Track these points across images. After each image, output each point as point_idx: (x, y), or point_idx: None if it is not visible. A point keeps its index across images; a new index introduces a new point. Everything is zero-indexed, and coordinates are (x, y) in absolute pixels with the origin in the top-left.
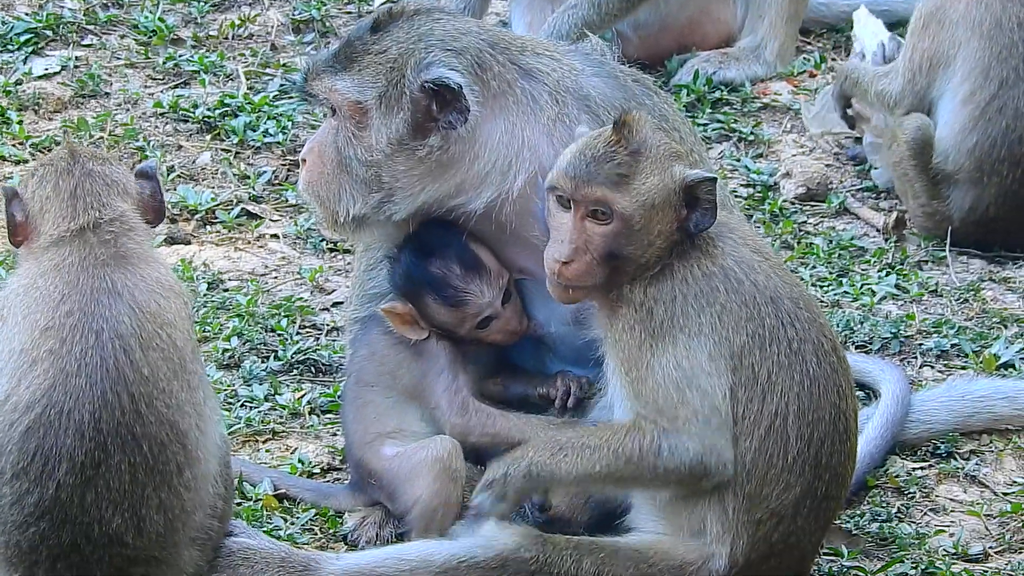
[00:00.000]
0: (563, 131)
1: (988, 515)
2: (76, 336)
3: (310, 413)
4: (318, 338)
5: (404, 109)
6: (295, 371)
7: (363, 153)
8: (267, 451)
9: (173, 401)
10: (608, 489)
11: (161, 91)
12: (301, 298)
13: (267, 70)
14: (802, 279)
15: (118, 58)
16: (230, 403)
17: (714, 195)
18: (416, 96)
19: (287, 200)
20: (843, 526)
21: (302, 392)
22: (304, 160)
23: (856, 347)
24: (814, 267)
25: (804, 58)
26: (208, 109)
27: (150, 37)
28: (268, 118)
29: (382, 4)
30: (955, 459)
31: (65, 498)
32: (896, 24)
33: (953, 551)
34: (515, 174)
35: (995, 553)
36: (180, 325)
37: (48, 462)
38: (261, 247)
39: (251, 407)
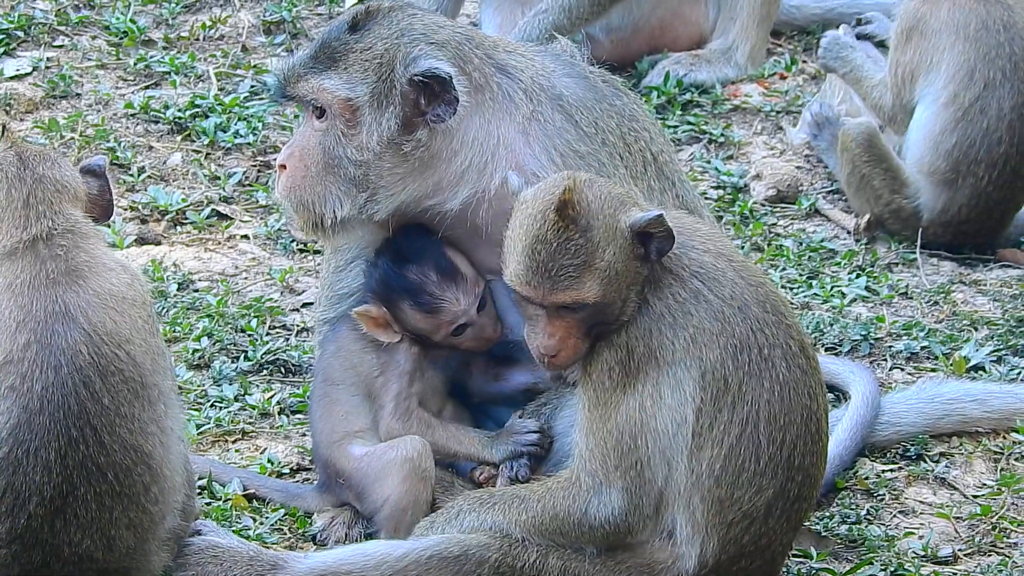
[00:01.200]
0: (538, 130)
1: (957, 517)
2: (36, 372)
3: (279, 413)
4: (288, 338)
5: (395, 104)
6: (265, 371)
7: (354, 152)
8: (237, 451)
9: (135, 425)
10: (535, 539)
11: (132, 92)
12: (271, 299)
13: (238, 71)
14: (772, 281)
15: (89, 59)
16: (200, 403)
17: (664, 225)
18: (405, 90)
19: (257, 201)
20: (812, 528)
21: (272, 392)
22: (283, 166)
23: (826, 349)
24: (784, 269)
25: (775, 60)
26: (179, 110)
27: (121, 38)
28: (239, 119)
29: (353, 5)
30: (925, 461)
31: (36, 526)
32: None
33: (922, 553)
34: (492, 172)
35: (964, 555)
36: (137, 338)
37: (19, 497)
38: (231, 248)
39: (221, 407)
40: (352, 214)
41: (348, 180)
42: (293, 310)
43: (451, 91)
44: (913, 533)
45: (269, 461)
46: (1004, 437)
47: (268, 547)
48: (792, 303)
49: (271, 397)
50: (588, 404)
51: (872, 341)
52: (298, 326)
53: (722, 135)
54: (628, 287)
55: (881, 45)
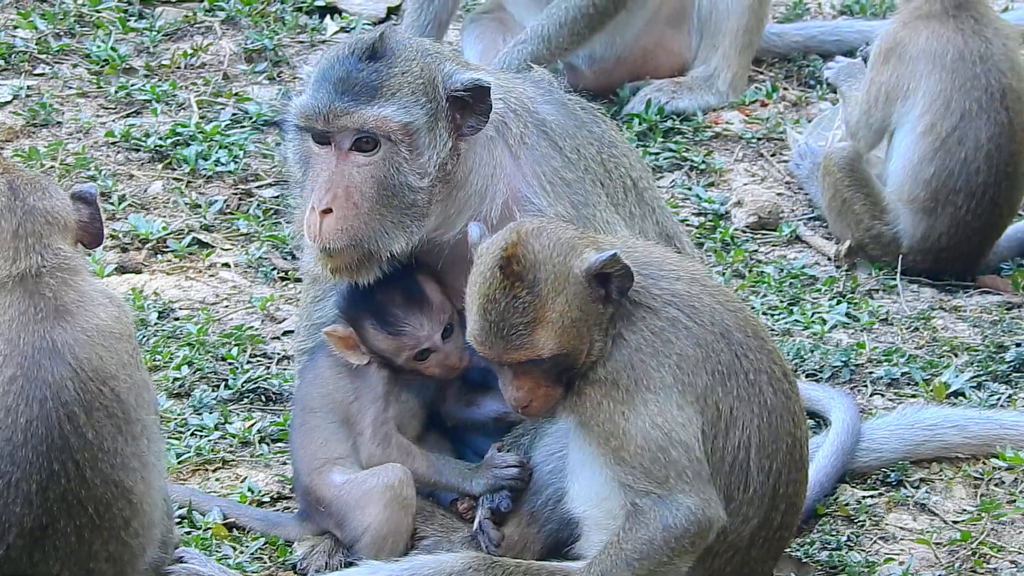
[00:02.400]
0: (527, 155)
1: (938, 543)
2: (21, 405)
3: (260, 442)
4: (268, 367)
5: (444, 121)
6: (245, 400)
7: (414, 179)
8: (217, 480)
9: (117, 460)
10: None
11: (113, 120)
12: (252, 327)
13: (219, 99)
14: (753, 308)
15: (70, 87)
16: (180, 432)
17: (620, 264)
18: (447, 107)
19: (238, 229)
20: (793, 554)
21: (252, 421)
22: (327, 210)
23: (807, 375)
24: (765, 296)
25: (756, 87)
26: (160, 138)
27: (102, 66)
28: (220, 147)
29: (335, 34)
30: (905, 487)
31: (15, 556)
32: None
33: None
34: (492, 197)
35: None
36: (123, 374)
37: None
38: (212, 276)
39: (201, 436)
40: (405, 246)
41: (403, 210)
42: (274, 338)
43: (487, 100)
44: (893, 559)
45: (249, 490)
46: (984, 463)
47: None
48: (773, 330)
49: (252, 426)
50: (599, 440)
51: (852, 367)
52: (279, 354)
53: (703, 162)
54: (590, 331)
55: None
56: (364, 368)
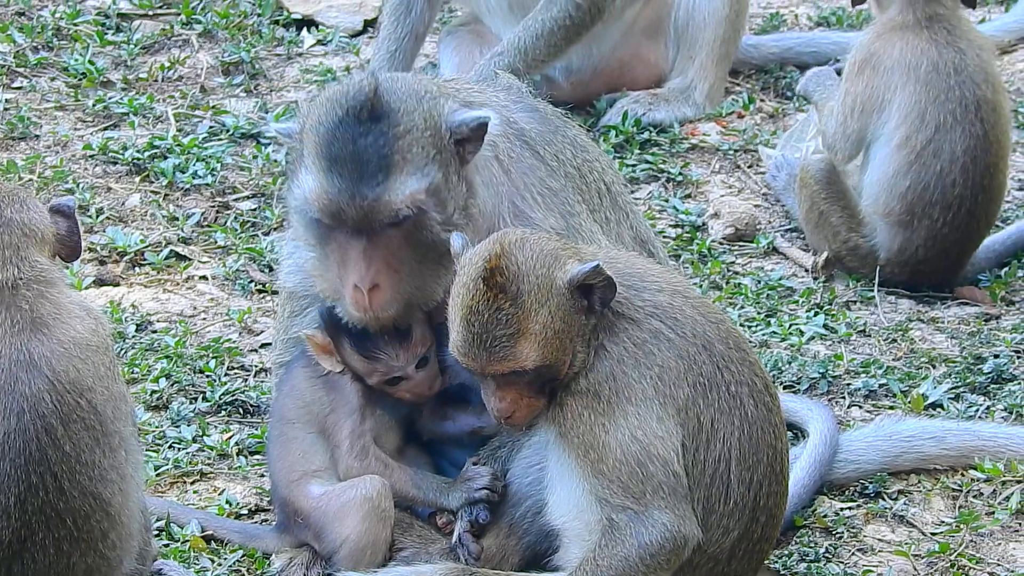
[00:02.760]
0: (515, 167)
1: (916, 555)
2: None
3: (238, 454)
4: (246, 379)
5: (454, 164)
6: (223, 412)
7: (444, 233)
8: (195, 492)
9: (95, 472)
10: None
11: (91, 133)
12: (229, 339)
13: (196, 112)
14: (731, 320)
15: (48, 100)
16: (158, 444)
17: (603, 275)
18: (453, 149)
19: (216, 242)
20: (772, 566)
21: (230, 433)
22: (375, 286)
23: (784, 387)
24: (742, 307)
25: (733, 99)
26: (137, 151)
27: (80, 79)
28: (197, 160)
29: (312, 46)
30: (883, 499)
31: None
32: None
33: None
34: (499, 215)
35: None
36: (100, 386)
37: None
38: (190, 289)
39: (179, 448)
40: (444, 290)
41: (439, 261)
42: (251, 351)
43: (485, 132)
44: (872, 571)
45: (227, 502)
46: (962, 474)
47: None
48: (751, 341)
49: (229, 438)
50: (578, 453)
51: (830, 379)
52: (256, 367)
53: (680, 174)
54: (572, 342)
55: None
56: (340, 380)
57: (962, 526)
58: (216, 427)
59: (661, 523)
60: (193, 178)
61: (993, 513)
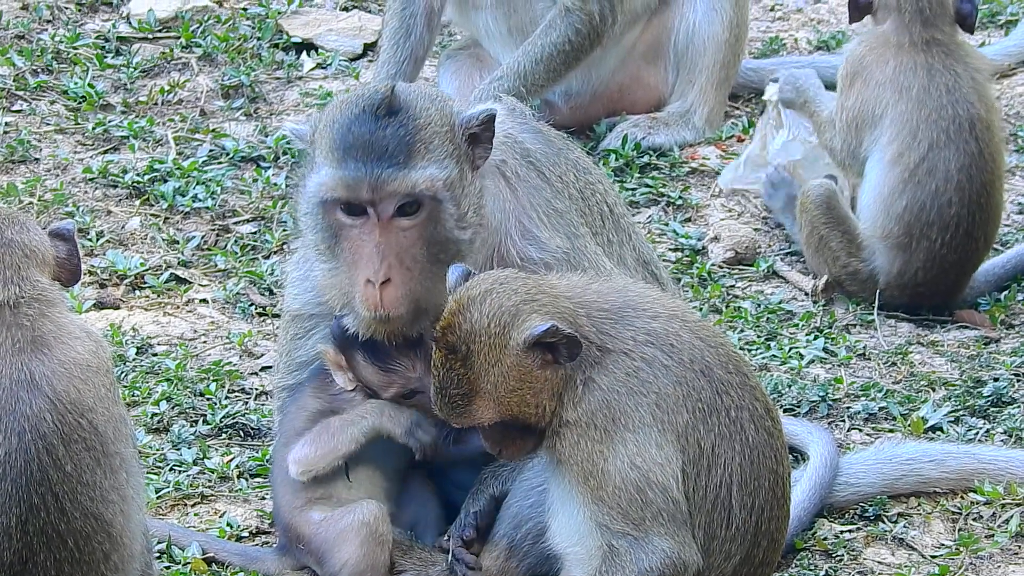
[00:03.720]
0: (520, 186)
1: None
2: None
3: (239, 477)
4: (247, 402)
5: (468, 162)
6: (224, 435)
7: (459, 232)
8: (196, 515)
9: (96, 493)
10: None
11: (91, 156)
12: (230, 362)
13: (196, 135)
14: (731, 342)
15: (48, 124)
16: (159, 467)
17: (560, 334)
18: (466, 148)
19: (216, 265)
20: None
21: (231, 456)
22: (387, 280)
23: (784, 410)
24: (742, 331)
25: (732, 123)
26: (137, 174)
27: (80, 103)
28: (197, 183)
29: (312, 70)
30: (883, 522)
31: None
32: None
33: None
34: (507, 231)
35: None
36: (100, 407)
37: None
38: (190, 312)
39: (180, 471)
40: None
41: (448, 264)
42: (252, 374)
43: (493, 127)
44: None
45: (228, 525)
46: (962, 497)
47: None
48: (751, 365)
49: (230, 461)
50: (577, 480)
51: (830, 402)
52: (257, 390)
53: (680, 198)
54: (536, 396)
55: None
56: (351, 401)
57: (962, 549)
58: (217, 450)
59: (661, 549)
60: (193, 201)
61: (993, 536)
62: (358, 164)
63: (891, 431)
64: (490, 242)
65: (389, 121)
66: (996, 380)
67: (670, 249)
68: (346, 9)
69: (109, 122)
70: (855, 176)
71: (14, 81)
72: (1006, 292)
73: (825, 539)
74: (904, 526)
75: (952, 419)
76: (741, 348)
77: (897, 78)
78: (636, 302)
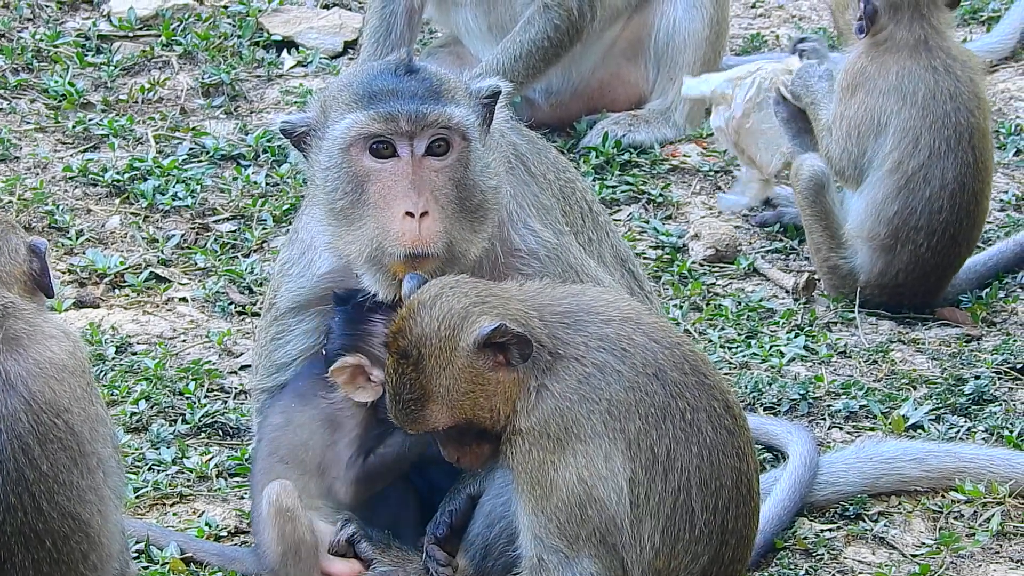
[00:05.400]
0: (512, 179)
1: None
2: None
3: (217, 476)
4: (226, 401)
5: (484, 124)
6: (203, 434)
7: (485, 179)
8: (174, 514)
9: (74, 492)
10: None
11: (71, 155)
12: (209, 361)
13: (176, 134)
14: (711, 341)
15: (28, 122)
16: (137, 466)
17: (508, 333)
18: (481, 109)
19: (196, 264)
20: None
21: (210, 455)
22: (424, 212)
23: (764, 409)
24: (723, 329)
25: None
26: (117, 173)
27: (60, 101)
28: (177, 182)
29: (292, 68)
30: (864, 521)
31: None
32: None
33: None
34: (508, 216)
35: None
36: (77, 407)
37: None
38: (170, 311)
39: (158, 470)
40: (478, 252)
41: (477, 212)
42: (231, 373)
43: (495, 105)
44: None
45: (207, 524)
46: (943, 496)
47: None
48: (731, 363)
49: (209, 460)
50: (525, 486)
51: (811, 400)
52: (236, 389)
53: (660, 195)
54: (489, 398)
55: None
56: (342, 417)
57: (942, 548)
58: (196, 449)
59: (588, 572)
60: (173, 200)
61: (974, 535)
62: (391, 102)
63: (872, 429)
64: (494, 224)
65: (412, 76)
66: (977, 378)
67: (650, 247)
68: (327, 7)
69: (89, 120)
70: (853, 185)
71: None
72: (987, 290)
73: (805, 538)
74: (885, 525)
75: (933, 417)
76: (721, 346)
77: (901, 83)
78: (590, 306)
